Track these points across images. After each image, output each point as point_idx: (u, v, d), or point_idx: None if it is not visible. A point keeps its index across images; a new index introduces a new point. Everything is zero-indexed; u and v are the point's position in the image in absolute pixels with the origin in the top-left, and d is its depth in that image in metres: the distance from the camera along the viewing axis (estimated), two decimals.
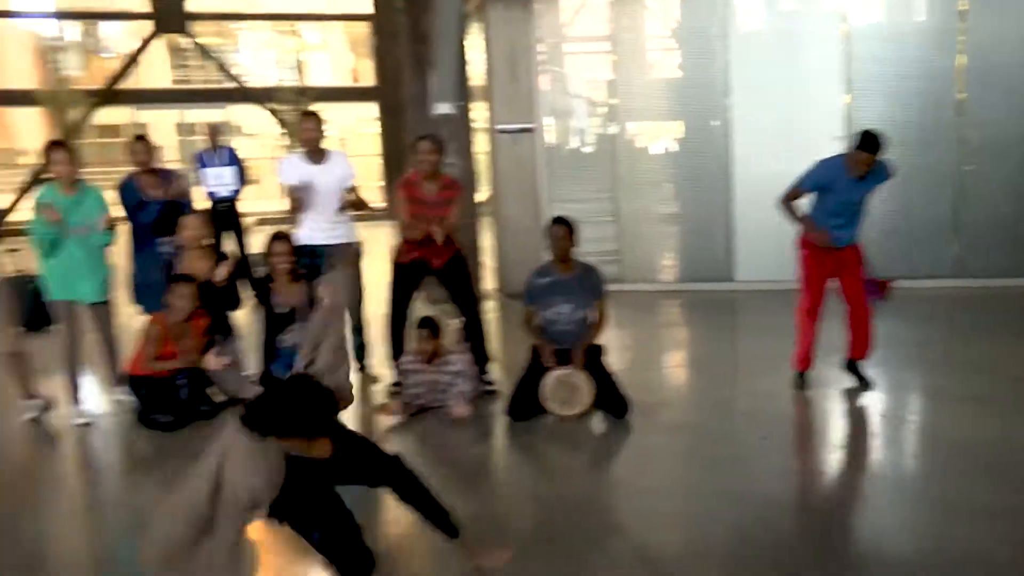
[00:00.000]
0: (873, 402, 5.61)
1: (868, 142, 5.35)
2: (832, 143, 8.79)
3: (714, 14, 9.23)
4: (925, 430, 5.28)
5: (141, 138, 6.62)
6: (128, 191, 6.40)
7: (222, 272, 5.91)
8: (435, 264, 5.88)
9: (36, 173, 19.27)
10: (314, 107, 16.56)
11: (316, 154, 6.09)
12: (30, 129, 27.38)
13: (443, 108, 8.90)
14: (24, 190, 19.53)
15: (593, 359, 5.51)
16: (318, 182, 6.00)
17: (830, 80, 9.12)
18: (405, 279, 5.99)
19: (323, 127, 6.17)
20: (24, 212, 17.53)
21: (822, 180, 5.55)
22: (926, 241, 9.03)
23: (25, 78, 25.91)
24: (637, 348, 7.45)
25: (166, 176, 6.56)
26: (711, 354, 7.25)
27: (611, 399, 5.41)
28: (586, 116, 10.19)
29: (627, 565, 3.60)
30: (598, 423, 5.39)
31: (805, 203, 5.71)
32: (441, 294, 6.19)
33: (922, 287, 8.58)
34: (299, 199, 6.02)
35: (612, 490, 4.44)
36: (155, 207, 6.26)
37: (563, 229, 5.51)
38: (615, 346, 5.93)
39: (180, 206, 6.41)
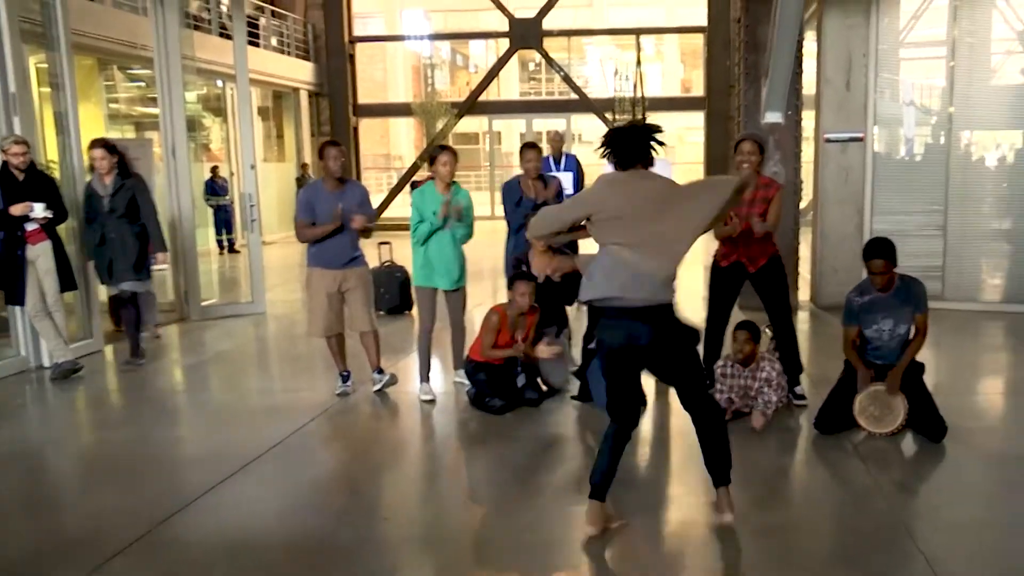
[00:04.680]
0: None
1: None
2: None
3: None
4: None
5: (533, 146, 6.72)
6: (511, 191, 6.60)
7: (559, 268, 6.07)
8: (751, 268, 5.69)
9: (408, 175, 21.08)
10: (647, 116, 16.68)
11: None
12: (404, 137, 30.06)
13: (773, 117, 8.58)
14: (397, 189, 21.43)
15: (912, 377, 5.07)
16: None
17: None
18: (724, 283, 5.84)
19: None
20: (396, 209, 19.26)
21: None
22: None
23: (404, 92, 28.43)
24: (956, 370, 6.77)
25: (547, 182, 6.69)
26: None
27: (927, 420, 4.96)
28: (917, 125, 9.39)
29: None
30: (910, 444, 4.97)
31: None
32: (752, 301, 5.97)
33: None
34: None
35: (919, 518, 4.06)
36: (528, 205, 6.42)
37: (883, 263, 4.91)
38: (931, 367, 5.41)
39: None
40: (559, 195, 6.65)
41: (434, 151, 6.15)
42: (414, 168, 21.25)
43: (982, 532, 3.84)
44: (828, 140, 8.98)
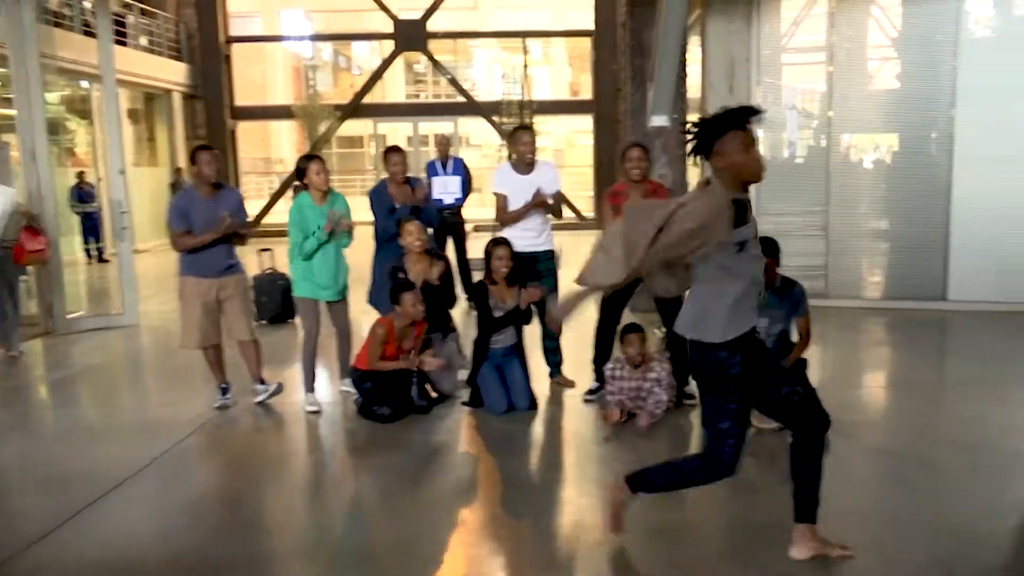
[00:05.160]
0: None
1: None
2: None
3: (943, 21, 8.66)
4: None
5: (397, 149, 6.70)
6: (380, 197, 6.56)
7: (435, 273, 6.08)
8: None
9: (289, 180, 20.75)
10: (535, 119, 16.86)
11: (526, 165, 6.21)
12: (286, 140, 29.57)
13: (659, 120, 8.81)
14: (278, 195, 21.07)
15: (795, 372, 5.28)
16: (526, 191, 6.12)
17: None
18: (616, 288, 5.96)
19: (535, 140, 6.29)
20: (277, 215, 18.94)
21: None
22: None
23: (284, 95, 27.97)
24: (839, 365, 7.10)
25: (414, 185, 6.69)
26: (917, 376, 6.76)
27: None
28: (799, 128, 9.81)
29: None
30: None
31: None
32: (645, 303, 6.13)
33: None
34: (505, 206, 6.18)
35: None
36: (404, 212, 6.41)
37: (768, 262, 5.03)
38: (815, 362, 5.65)
39: (423, 212, 6.58)
40: (428, 199, 6.73)
41: (301, 162, 6.04)
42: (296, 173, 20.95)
43: (866, 523, 4.02)
44: None
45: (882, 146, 9.76)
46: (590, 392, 6.07)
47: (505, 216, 6.21)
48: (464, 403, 6.00)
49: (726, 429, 3.48)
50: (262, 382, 6.21)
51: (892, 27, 9.39)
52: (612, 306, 5.99)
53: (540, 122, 21.08)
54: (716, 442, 3.51)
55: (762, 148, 9.25)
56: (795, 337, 5.38)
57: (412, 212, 6.46)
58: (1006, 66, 8.56)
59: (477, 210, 15.62)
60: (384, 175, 6.74)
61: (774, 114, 9.53)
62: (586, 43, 21.96)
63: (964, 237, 8.68)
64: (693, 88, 9.40)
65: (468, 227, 10.28)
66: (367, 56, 29.67)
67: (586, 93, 23.04)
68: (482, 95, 23.25)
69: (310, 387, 6.10)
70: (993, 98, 8.58)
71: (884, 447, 5.11)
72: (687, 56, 9.03)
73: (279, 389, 6.26)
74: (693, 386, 5.90)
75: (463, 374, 6.25)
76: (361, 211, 6.71)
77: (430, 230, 6.71)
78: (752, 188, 9.64)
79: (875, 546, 3.78)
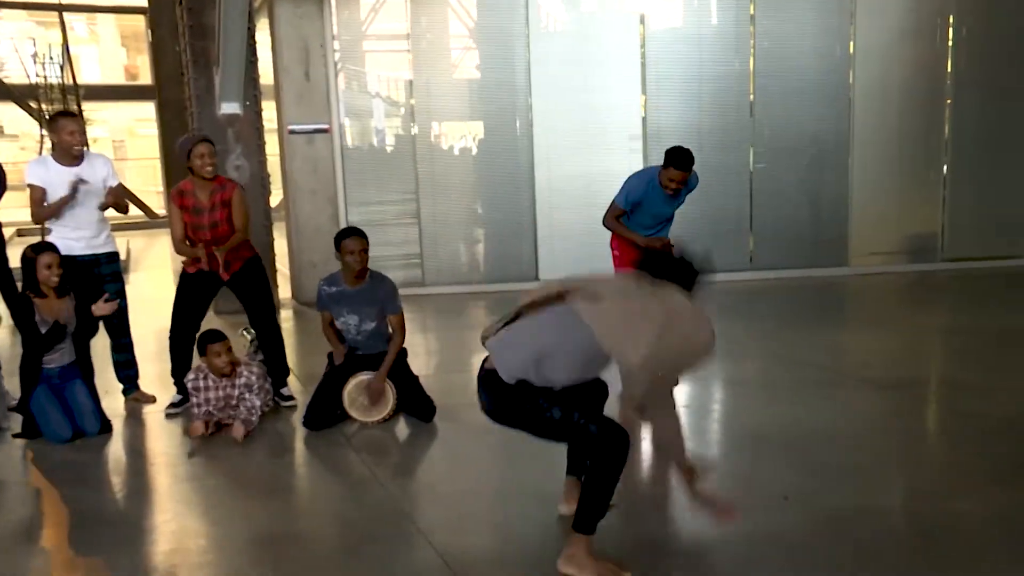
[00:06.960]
0: (676, 393, 5.91)
1: (681, 160, 5.65)
2: (630, 142, 9.33)
3: (515, 13, 9.54)
4: (724, 417, 5.66)
5: None
6: None
7: None
8: (225, 275, 5.74)
9: None
10: (86, 106, 15.76)
11: (73, 157, 5.80)
12: None
13: (230, 108, 8.70)
14: None
15: (397, 362, 5.51)
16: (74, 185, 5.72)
17: (628, 81, 9.66)
18: (192, 290, 5.80)
19: (84, 129, 5.86)
20: None
21: (636, 196, 5.81)
22: (724, 236, 9.67)
23: None
24: (441, 351, 7.56)
25: None
26: None
27: (416, 403, 5.46)
28: (386, 116, 10.21)
29: (436, 572, 3.62)
30: (402, 428, 5.44)
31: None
32: (230, 304, 6.03)
33: (719, 280, 9.18)
34: (44, 204, 5.70)
35: (418, 496, 4.44)
36: None
37: (359, 242, 5.32)
38: (419, 350, 5.95)
39: None
40: None
41: None
42: None
43: (476, 500, 4.33)
44: (292, 132, 9.35)
45: (468, 135, 10.48)
46: (172, 405, 5.83)
47: (41, 211, 5.75)
48: (16, 435, 5.46)
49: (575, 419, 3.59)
50: None
51: (469, 17, 10.11)
52: (189, 312, 5.83)
53: (92, 110, 19.69)
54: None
55: (348, 137, 9.61)
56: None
57: None
58: (574, 57, 9.65)
59: (17, 212, 14.29)
60: None
61: (359, 102, 9.84)
62: (140, 21, 20.97)
63: (547, 220, 9.70)
64: (266, 74, 9.39)
65: (8, 232, 9.36)
66: None
67: (146, 77, 22.00)
68: (13, 77, 21.23)
69: None
70: (564, 88, 9.62)
71: (487, 427, 5.48)
72: (256, 40, 9.01)
73: None
74: (291, 387, 5.95)
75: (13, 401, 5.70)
76: None
77: None
78: (338, 177, 9.91)
79: (485, 520, 4.09)
